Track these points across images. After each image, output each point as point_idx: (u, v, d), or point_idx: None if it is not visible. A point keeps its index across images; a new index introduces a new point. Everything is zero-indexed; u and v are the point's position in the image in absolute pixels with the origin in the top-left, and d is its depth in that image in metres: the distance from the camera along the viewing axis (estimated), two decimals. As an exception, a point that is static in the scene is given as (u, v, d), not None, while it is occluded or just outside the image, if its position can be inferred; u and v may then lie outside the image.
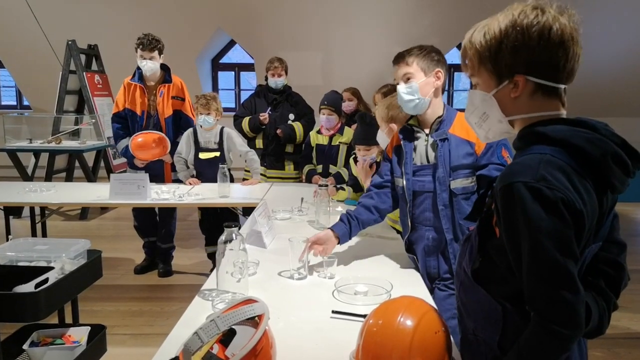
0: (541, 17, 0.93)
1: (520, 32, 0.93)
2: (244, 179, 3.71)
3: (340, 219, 1.84)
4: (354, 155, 2.81)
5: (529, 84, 0.97)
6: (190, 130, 3.53)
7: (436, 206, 1.75)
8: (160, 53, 3.55)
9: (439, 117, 1.77)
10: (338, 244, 1.79)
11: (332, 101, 3.57)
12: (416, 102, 1.73)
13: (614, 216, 1.04)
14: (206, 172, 3.50)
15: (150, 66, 3.51)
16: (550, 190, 0.86)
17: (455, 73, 7.90)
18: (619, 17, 6.57)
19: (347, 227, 1.81)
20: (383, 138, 2.20)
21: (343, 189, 2.95)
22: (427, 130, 1.80)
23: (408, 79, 1.73)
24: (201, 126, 3.47)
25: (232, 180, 3.51)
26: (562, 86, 0.97)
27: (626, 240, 1.08)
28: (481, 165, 1.72)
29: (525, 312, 0.92)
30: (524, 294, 0.91)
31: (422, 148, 1.79)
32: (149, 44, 3.47)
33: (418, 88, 1.72)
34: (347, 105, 3.97)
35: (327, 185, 2.40)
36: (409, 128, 1.84)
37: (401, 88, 1.74)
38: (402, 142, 1.83)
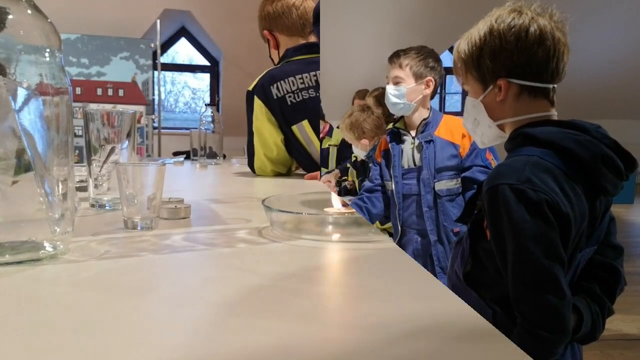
0: (518, 20, 0.94)
1: (497, 37, 0.95)
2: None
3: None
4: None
5: (513, 86, 0.97)
6: None
7: (421, 208, 1.75)
8: None
9: (424, 119, 1.78)
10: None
11: None
12: (401, 106, 1.76)
13: (610, 219, 1.02)
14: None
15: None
16: (535, 192, 0.84)
17: (447, 76, 7.93)
18: (617, 18, 6.62)
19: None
20: (359, 152, 2.26)
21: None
22: (413, 133, 1.81)
23: (397, 82, 1.74)
24: None
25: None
26: (549, 86, 0.96)
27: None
28: (466, 167, 1.73)
29: (515, 316, 0.91)
30: (510, 297, 0.90)
31: (409, 151, 1.80)
32: None
33: (405, 93, 1.73)
34: None
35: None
36: (396, 131, 1.85)
37: (390, 89, 1.76)
38: (390, 145, 1.83)
